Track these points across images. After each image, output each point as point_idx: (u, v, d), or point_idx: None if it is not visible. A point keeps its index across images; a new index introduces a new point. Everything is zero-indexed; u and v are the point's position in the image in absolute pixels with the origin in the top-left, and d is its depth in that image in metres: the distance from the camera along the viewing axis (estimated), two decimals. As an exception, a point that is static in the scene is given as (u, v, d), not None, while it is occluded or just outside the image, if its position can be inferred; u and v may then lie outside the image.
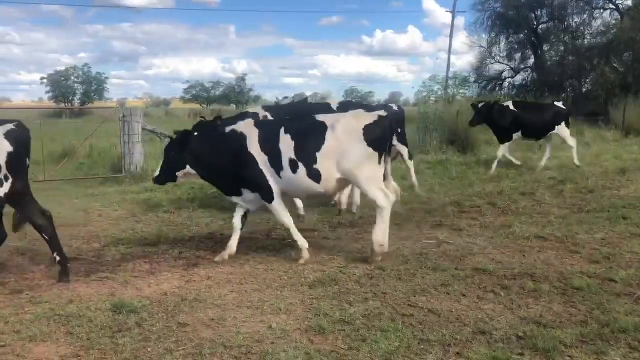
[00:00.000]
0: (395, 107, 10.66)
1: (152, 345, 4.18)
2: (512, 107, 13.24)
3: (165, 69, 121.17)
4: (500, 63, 35.42)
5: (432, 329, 4.44)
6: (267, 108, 8.95)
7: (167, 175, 6.62)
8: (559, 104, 13.90)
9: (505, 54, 35.13)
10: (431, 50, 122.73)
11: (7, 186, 5.34)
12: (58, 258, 5.67)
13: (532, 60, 34.66)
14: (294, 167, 6.11)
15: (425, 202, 9.57)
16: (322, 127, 6.14)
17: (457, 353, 4.05)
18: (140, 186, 11.25)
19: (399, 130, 10.18)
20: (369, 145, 6.02)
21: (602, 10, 32.43)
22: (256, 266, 6.11)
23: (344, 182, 6.29)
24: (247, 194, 6.39)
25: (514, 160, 13.65)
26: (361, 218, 8.43)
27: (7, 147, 5.30)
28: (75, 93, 62.54)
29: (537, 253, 6.54)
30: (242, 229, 6.57)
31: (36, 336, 4.33)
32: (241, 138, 6.28)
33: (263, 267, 6.07)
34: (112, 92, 66.33)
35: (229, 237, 6.56)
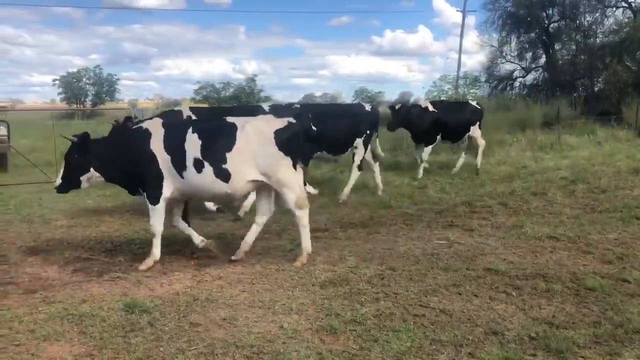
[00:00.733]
0: (368, 107, 10.35)
1: (164, 345, 4.21)
2: (431, 108, 12.57)
3: (176, 70, 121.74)
4: (511, 62, 35.16)
5: (443, 329, 4.43)
6: (192, 109, 9.01)
7: (70, 182, 6.31)
8: (474, 103, 13.61)
9: (516, 53, 34.87)
10: (441, 50, 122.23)
11: None
12: None
13: (543, 60, 34.37)
14: (199, 167, 6.02)
15: (436, 202, 9.55)
16: (232, 128, 6.11)
17: (469, 353, 4.04)
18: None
19: (368, 132, 9.93)
20: (280, 149, 6.05)
21: (614, 9, 32.08)
22: (267, 266, 6.12)
23: (252, 184, 6.21)
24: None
25: (421, 169, 12.45)
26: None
27: None
28: (86, 94, 62.89)
29: (549, 253, 6.50)
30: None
31: (50, 335, 4.37)
32: (145, 136, 6.16)
33: (274, 267, 6.08)
34: (123, 93, 66.53)
35: (240, 237, 6.58)
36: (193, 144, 6.04)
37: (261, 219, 6.53)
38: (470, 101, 14.18)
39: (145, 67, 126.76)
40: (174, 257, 6.56)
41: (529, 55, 34.70)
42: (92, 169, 6.24)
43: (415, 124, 12.45)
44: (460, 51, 39.04)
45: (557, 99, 25.26)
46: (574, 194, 9.91)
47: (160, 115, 8.67)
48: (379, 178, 10.39)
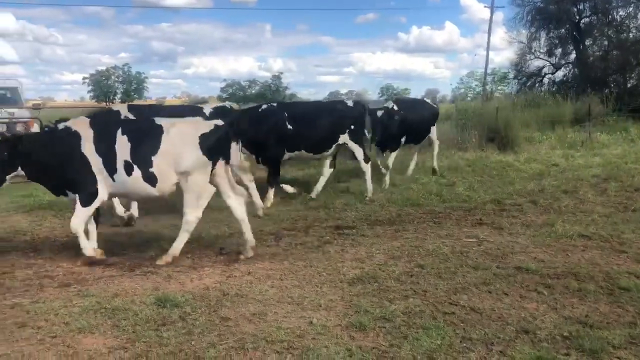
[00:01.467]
0: (350, 103, 10.06)
1: (195, 339, 4.26)
2: (396, 107, 11.37)
3: (203, 68, 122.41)
4: (540, 59, 34.55)
5: (474, 328, 4.39)
6: (130, 107, 8.69)
7: None
8: (428, 101, 13.17)
9: (545, 49, 34.27)
10: (469, 47, 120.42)
11: None
12: None
13: (573, 56, 33.72)
14: (128, 170, 6.03)
15: (464, 200, 9.46)
16: (159, 130, 6.09)
17: (501, 352, 4.00)
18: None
19: (352, 127, 9.69)
20: (204, 153, 6.03)
21: (648, 3, 31.35)
22: (295, 262, 6.15)
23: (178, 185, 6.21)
24: (71, 195, 6.25)
25: (383, 170, 11.21)
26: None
27: None
28: (115, 92, 64.02)
29: (581, 252, 6.39)
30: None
31: (84, 328, 4.46)
32: (74, 137, 6.12)
33: (302, 264, 6.10)
34: (151, 91, 67.73)
35: (268, 233, 6.62)
36: (123, 146, 6.06)
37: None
38: (425, 100, 13.72)
39: (173, 65, 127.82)
40: (203, 252, 6.63)
41: (558, 51, 34.10)
42: (19, 168, 6.18)
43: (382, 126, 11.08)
44: (488, 47, 38.84)
45: (588, 95, 24.73)
46: (606, 192, 9.72)
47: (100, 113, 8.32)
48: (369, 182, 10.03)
